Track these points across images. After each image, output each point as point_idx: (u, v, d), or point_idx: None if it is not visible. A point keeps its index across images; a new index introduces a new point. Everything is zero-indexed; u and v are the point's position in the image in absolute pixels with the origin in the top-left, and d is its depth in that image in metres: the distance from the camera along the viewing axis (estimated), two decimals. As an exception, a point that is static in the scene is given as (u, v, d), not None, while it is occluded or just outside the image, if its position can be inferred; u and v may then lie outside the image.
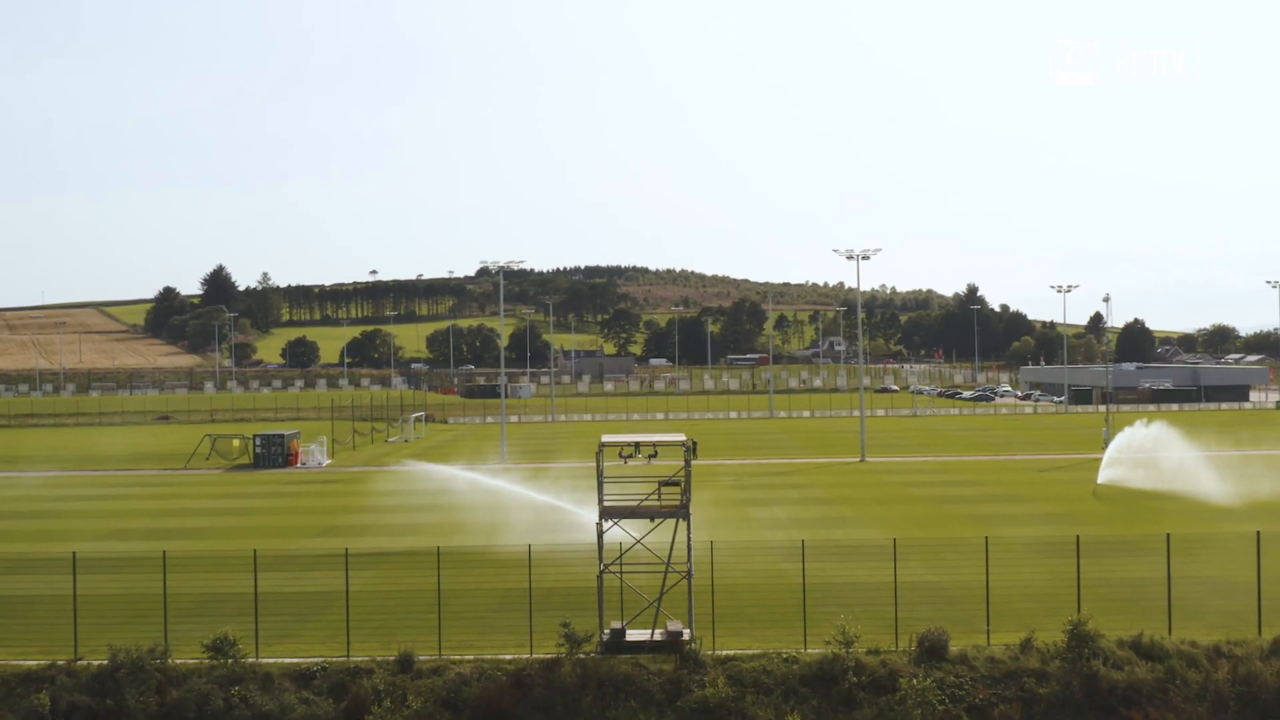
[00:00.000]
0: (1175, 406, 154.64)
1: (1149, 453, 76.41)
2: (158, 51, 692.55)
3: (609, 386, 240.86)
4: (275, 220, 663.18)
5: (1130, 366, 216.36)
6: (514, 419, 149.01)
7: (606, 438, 36.17)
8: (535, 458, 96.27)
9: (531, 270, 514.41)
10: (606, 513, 34.14)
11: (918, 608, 38.41)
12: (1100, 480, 72.39)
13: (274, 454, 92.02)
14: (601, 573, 34.61)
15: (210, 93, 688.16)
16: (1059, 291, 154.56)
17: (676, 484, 34.48)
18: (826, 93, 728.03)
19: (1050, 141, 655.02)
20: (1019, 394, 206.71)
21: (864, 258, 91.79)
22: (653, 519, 34.59)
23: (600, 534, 34.55)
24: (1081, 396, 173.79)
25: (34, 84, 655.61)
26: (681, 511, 34.07)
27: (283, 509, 65.82)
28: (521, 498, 60.60)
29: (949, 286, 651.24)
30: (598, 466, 35.10)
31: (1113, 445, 78.57)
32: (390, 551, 50.87)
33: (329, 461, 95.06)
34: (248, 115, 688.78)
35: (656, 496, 34.89)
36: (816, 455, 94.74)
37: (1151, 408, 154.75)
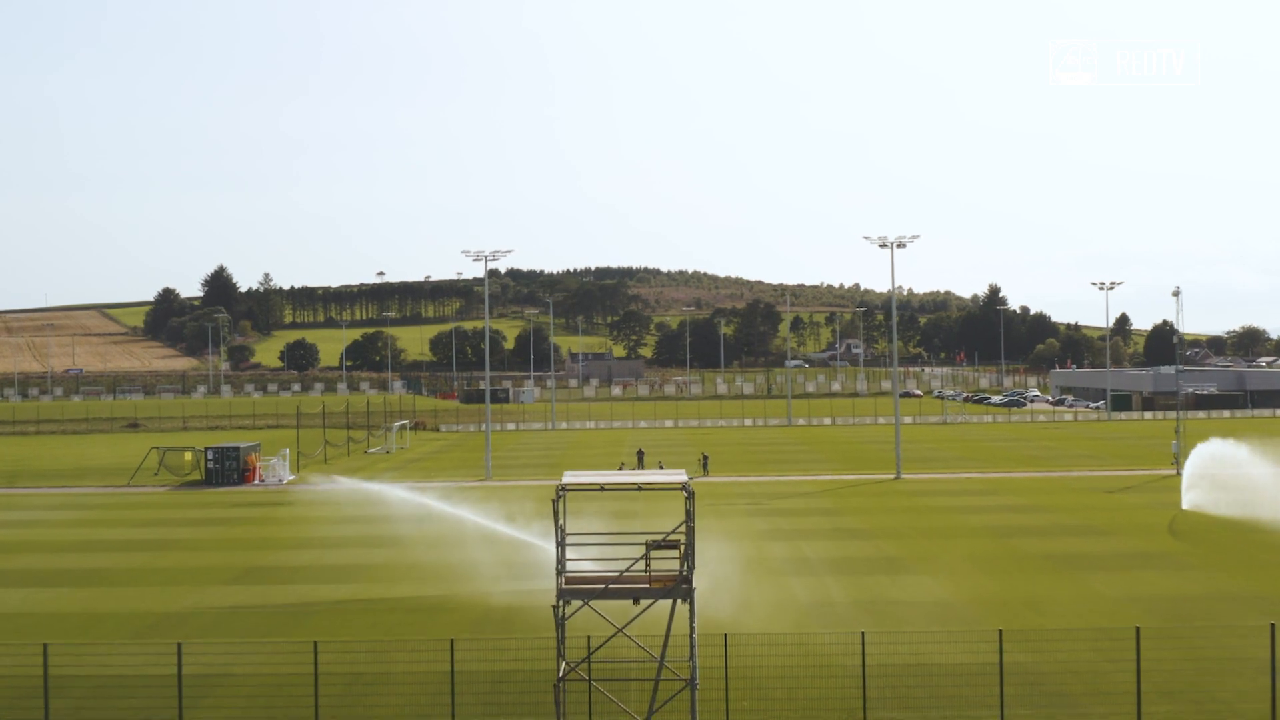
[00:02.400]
0: (1226, 414, 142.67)
1: (1233, 471, 65.18)
2: (167, 53, 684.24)
3: (617, 391, 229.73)
4: (284, 222, 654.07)
5: (1170, 370, 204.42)
6: (512, 426, 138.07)
7: (570, 477, 25.04)
8: (525, 472, 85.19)
9: (540, 271, 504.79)
10: (569, 592, 22.98)
11: (1015, 709, 27.19)
12: (1185, 505, 61.06)
13: (227, 469, 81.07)
14: (561, 680, 23.36)
15: (221, 94, 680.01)
16: (1100, 289, 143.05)
17: (674, 545, 23.19)
18: (838, 92, 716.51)
19: (1059, 140, 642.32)
20: (1050, 399, 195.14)
21: (899, 246, 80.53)
22: (637, 600, 23.35)
23: (559, 621, 23.33)
24: (1120, 402, 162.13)
25: (44, 86, 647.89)
26: (680, 589, 22.89)
27: (208, 542, 54.71)
28: (482, 531, 49.46)
29: (966, 288, 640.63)
30: (556, 521, 23.86)
31: (1191, 463, 67.09)
32: (308, 604, 39.75)
33: (292, 477, 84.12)
34: (258, 117, 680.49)
35: (645, 563, 23.67)
36: (844, 470, 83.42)
37: (1200, 415, 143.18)
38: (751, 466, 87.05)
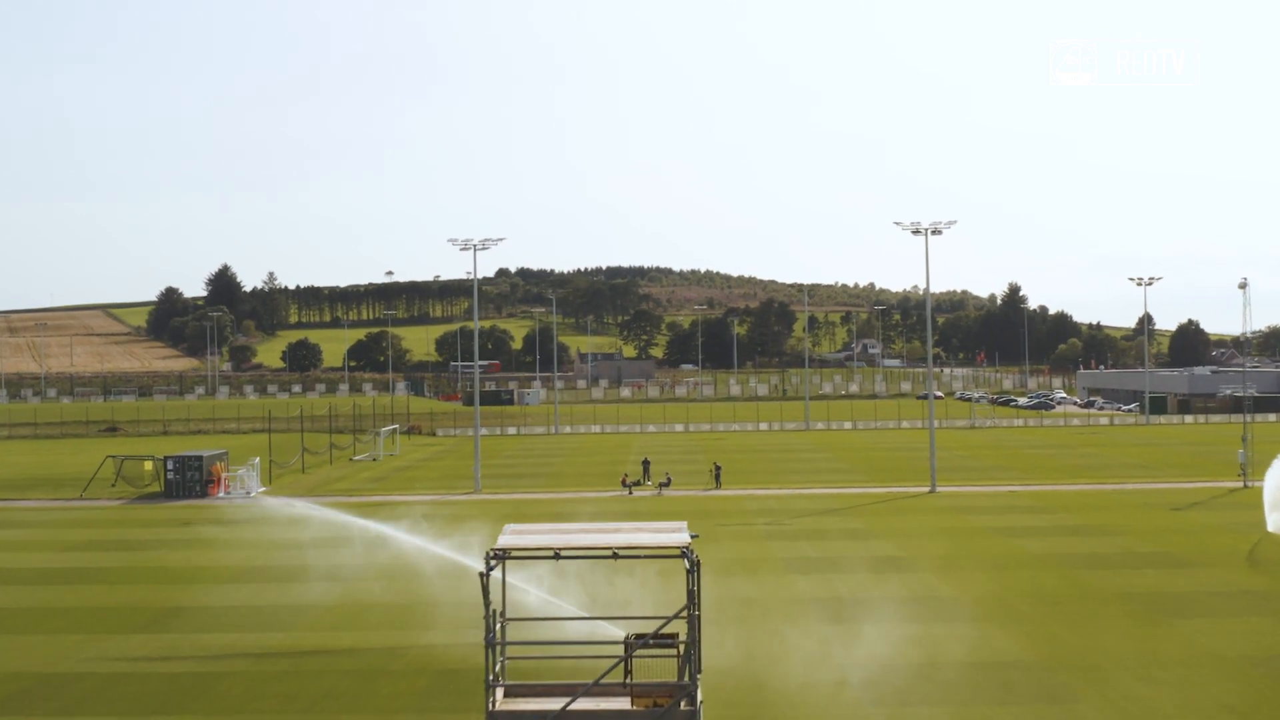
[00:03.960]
0: (1273, 416, 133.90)
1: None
2: (176, 54, 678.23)
3: (626, 392, 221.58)
4: (294, 223, 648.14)
5: (1205, 370, 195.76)
6: (512, 431, 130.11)
7: (511, 532, 16.98)
8: (520, 483, 77.20)
9: (551, 271, 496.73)
10: (503, 718, 14.87)
11: None
12: (1271, 528, 52.74)
13: (189, 480, 73.27)
14: None
15: (230, 96, 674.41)
16: (1139, 284, 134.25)
17: (670, 644, 15.01)
18: (846, 92, 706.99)
19: (1065, 140, 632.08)
20: (1077, 401, 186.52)
21: (934, 232, 72.28)
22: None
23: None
24: (1155, 405, 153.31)
25: (52, 87, 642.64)
26: (677, 711, 14.74)
27: (133, 573, 46.71)
28: (447, 564, 41.32)
29: (983, 287, 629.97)
30: (486, 603, 15.69)
31: (1273, 478, 58.59)
32: (225, 659, 31.70)
33: (263, 489, 76.23)
34: (270, 118, 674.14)
35: (626, 668, 15.51)
36: (871, 482, 75.20)
37: (1241, 418, 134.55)
38: (768, 477, 78.88)
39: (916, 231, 72.28)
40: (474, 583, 38.33)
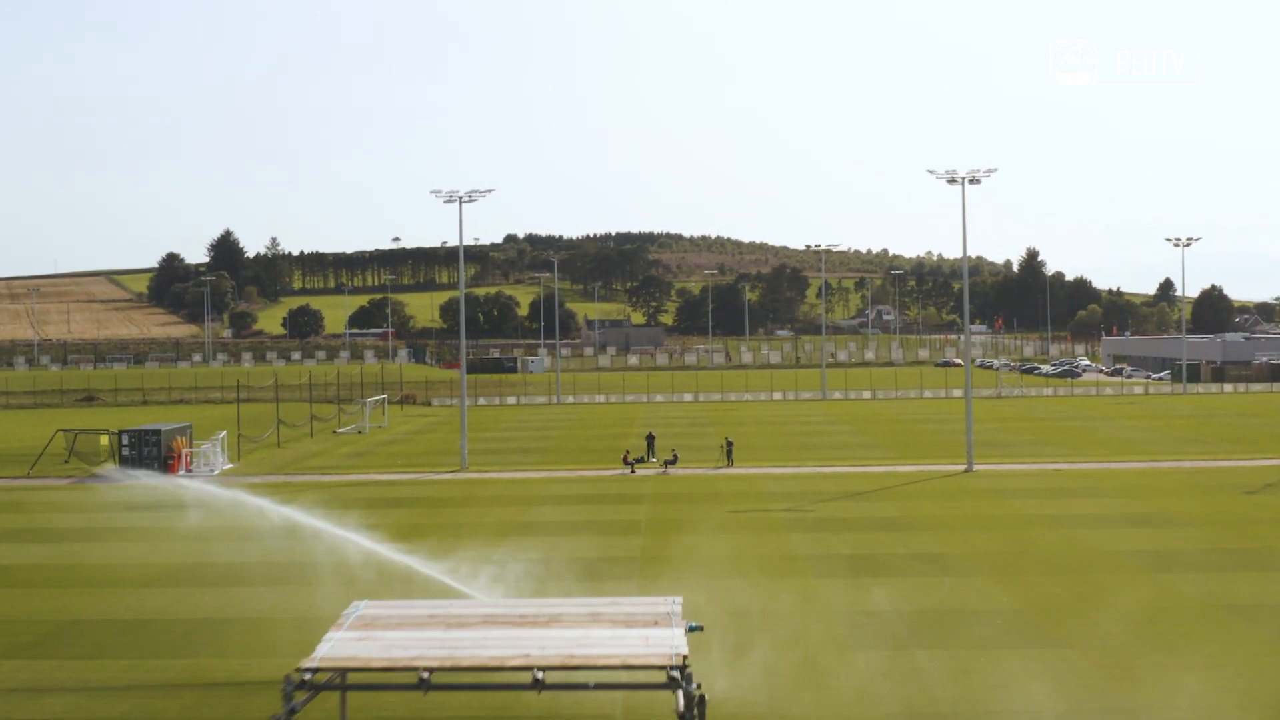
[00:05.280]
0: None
1: None
2: (181, 21, 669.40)
3: (634, 360, 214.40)
4: (303, 190, 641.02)
5: (1238, 337, 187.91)
6: (512, 401, 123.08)
7: (356, 625, 9.95)
8: (513, 460, 70.16)
9: (559, 236, 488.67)
10: None
11: None
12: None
13: (146, 456, 66.33)
14: None
15: (249, 65, 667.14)
16: (1175, 245, 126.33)
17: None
18: (863, 57, 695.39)
19: (1084, 109, 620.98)
20: (1103, 369, 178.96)
21: (972, 181, 64.70)
22: None
23: None
24: (1188, 373, 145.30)
25: (61, 55, 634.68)
26: None
27: (44, 571, 39.69)
28: (398, 572, 34.00)
29: (998, 253, 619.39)
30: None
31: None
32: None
33: (229, 466, 69.35)
34: (287, 87, 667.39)
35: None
36: (899, 459, 68.01)
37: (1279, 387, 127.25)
38: (785, 453, 71.72)
39: (952, 180, 64.78)
40: (423, 589, 31.30)
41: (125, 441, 66.93)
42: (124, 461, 66.52)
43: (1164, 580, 35.58)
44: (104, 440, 71.31)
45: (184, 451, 68.05)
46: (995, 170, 64.31)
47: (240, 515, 42.14)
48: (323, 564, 35.13)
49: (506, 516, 49.36)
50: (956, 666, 26.78)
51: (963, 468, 63.04)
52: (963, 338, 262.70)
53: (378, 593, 31.91)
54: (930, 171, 64.88)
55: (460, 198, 68.40)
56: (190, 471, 67.13)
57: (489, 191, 68.34)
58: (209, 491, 51.88)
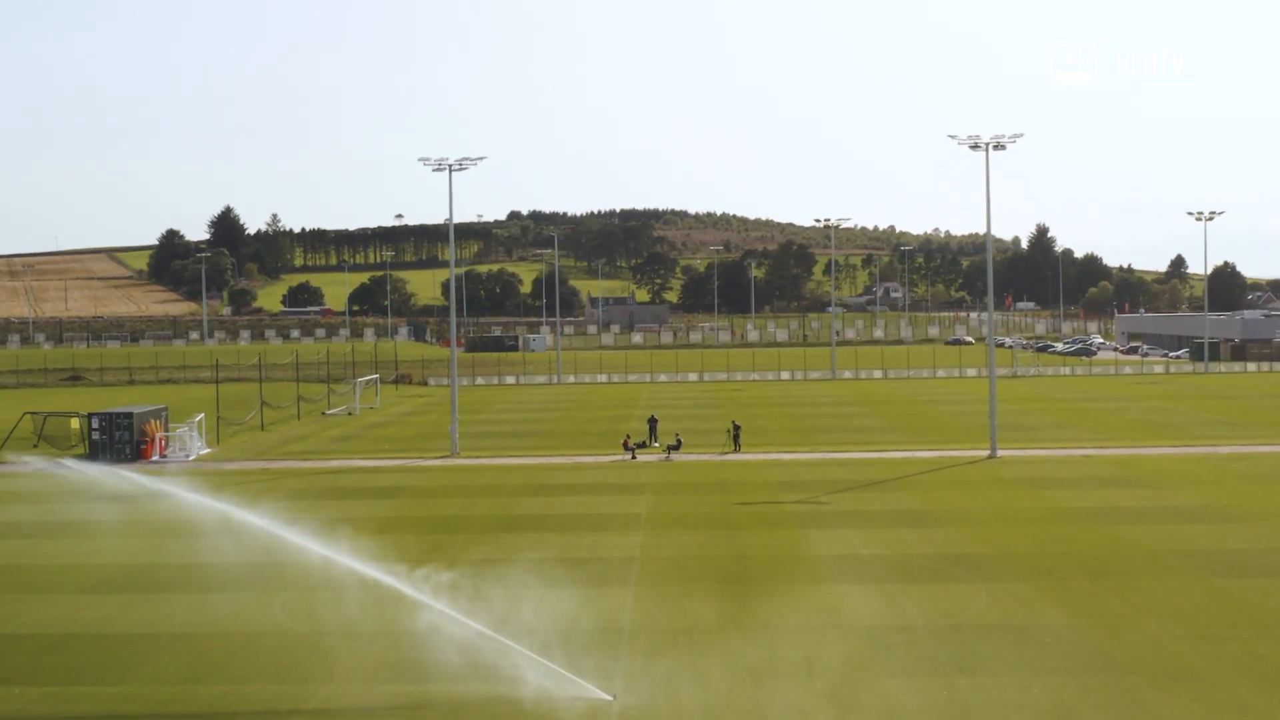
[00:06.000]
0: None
1: None
2: (195, 3, 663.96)
3: (638, 338, 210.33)
4: (306, 168, 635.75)
5: (1257, 314, 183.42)
6: (511, 380, 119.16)
7: None
8: (506, 444, 66.26)
9: (564, 213, 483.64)
10: None
11: None
12: None
13: (118, 441, 62.46)
14: None
15: (256, 42, 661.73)
16: (1197, 219, 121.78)
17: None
18: (866, 33, 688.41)
19: (1092, 90, 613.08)
20: (1118, 347, 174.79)
21: (996, 147, 60.47)
22: None
23: None
24: (1204, 351, 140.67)
25: (64, 33, 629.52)
26: None
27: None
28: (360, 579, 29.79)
29: (1005, 230, 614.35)
30: None
31: None
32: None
33: (207, 451, 65.52)
34: (294, 64, 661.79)
35: None
36: (917, 444, 64.01)
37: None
38: (796, 437, 67.76)
39: (975, 146, 60.56)
40: (387, 600, 27.24)
41: (95, 425, 63.01)
42: (93, 446, 62.75)
43: (1226, 587, 31.62)
44: (74, 423, 67.46)
45: (158, 436, 64.15)
46: (1021, 135, 60.11)
47: (191, 509, 38.33)
48: (284, 566, 31.08)
49: (494, 509, 45.47)
50: (1008, 701, 22.84)
51: (985, 453, 59.05)
52: (972, 315, 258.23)
53: (332, 602, 28.11)
54: (952, 137, 60.67)
55: (450, 165, 64.26)
56: (165, 457, 63.29)
57: (480, 159, 64.26)
58: (160, 482, 47.86)
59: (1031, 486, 48.91)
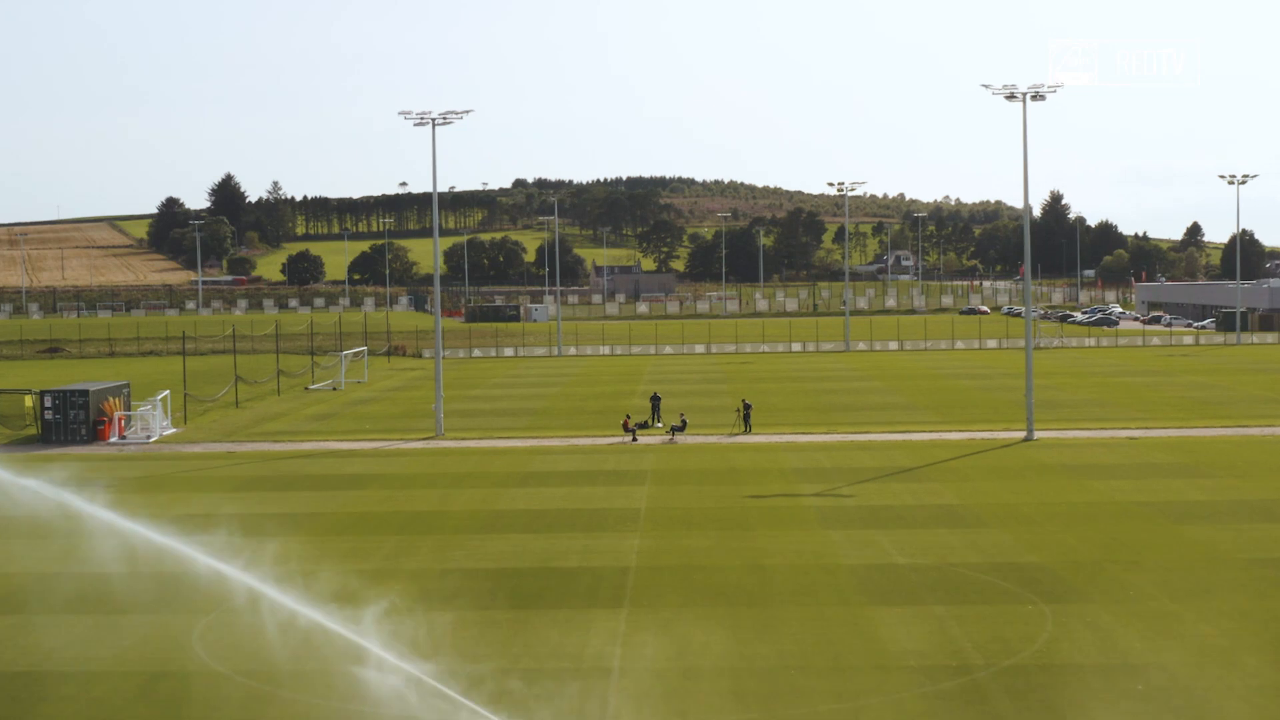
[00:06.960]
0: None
1: None
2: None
3: (643, 307, 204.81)
4: (312, 135, 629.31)
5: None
6: (509, 352, 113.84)
7: None
8: (498, 423, 60.94)
9: (569, 181, 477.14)
10: None
11: None
12: None
13: (73, 421, 57.31)
14: None
15: (259, 7, 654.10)
16: (1229, 183, 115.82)
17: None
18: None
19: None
20: (1138, 316, 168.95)
21: (1035, 97, 54.76)
22: None
23: None
24: (1232, 321, 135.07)
25: (79, 5, 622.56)
26: None
27: None
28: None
29: (1016, 198, 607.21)
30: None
31: None
32: None
33: (171, 431, 60.35)
34: (298, 29, 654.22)
35: None
36: (944, 424, 58.65)
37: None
38: (811, 416, 62.39)
39: (1011, 96, 54.85)
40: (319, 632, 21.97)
41: (48, 404, 57.80)
42: (46, 426, 57.61)
43: (1340, 609, 26.27)
44: (28, 401, 62.21)
45: (117, 415, 58.96)
46: (1060, 86, 54.43)
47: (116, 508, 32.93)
48: (199, 584, 25.86)
49: (474, 503, 40.21)
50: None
51: (1021, 435, 53.71)
52: (986, 284, 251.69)
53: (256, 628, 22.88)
54: (985, 86, 54.89)
55: (434, 120, 58.68)
56: (124, 438, 58.16)
57: (466, 113, 58.63)
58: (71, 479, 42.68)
59: (1079, 475, 43.54)
